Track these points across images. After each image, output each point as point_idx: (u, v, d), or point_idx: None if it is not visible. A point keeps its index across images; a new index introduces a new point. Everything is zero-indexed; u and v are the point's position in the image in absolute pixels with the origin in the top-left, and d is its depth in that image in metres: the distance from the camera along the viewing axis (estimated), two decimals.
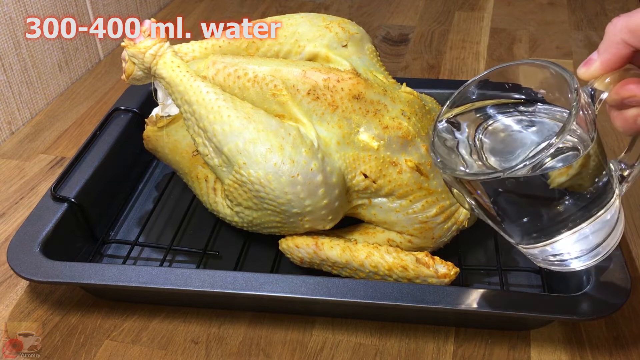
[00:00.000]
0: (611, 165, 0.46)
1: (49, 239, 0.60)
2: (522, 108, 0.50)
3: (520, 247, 0.49)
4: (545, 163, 0.42)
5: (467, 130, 0.51)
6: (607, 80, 0.43)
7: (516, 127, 0.50)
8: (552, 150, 0.40)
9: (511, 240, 0.49)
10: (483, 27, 1.17)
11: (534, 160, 0.41)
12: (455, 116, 0.51)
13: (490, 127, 0.51)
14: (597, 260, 0.47)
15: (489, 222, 0.49)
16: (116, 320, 0.60)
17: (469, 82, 0.50)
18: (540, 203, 0.46)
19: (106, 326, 0.59)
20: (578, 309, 0.52)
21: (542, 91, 0.48)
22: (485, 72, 0.49)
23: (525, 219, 0.47)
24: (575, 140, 0.43)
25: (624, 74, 0.43)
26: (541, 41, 1.12)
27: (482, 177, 0.44)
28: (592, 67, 0.43)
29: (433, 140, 0.49)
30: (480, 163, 0.49)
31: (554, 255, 0.48)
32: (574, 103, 0.41)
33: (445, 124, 0.51)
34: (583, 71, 0.43)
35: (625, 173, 0.47)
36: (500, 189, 0.45)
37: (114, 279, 0.56)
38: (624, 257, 0.56)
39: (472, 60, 1.06)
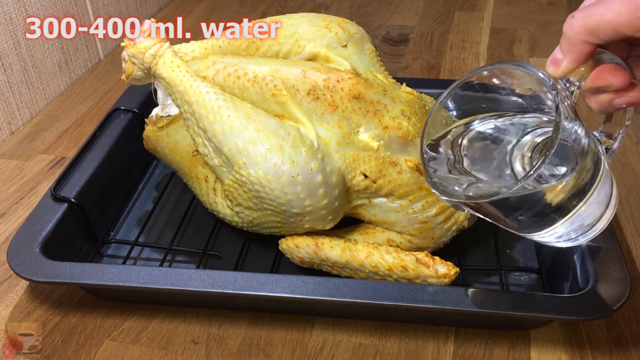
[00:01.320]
0: (595, 134, 0.46)
1: (49, 239, 0.60)
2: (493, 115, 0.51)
3: (521, 234, 0.49)
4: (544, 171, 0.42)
5: (442, 147, 0.51)
6: (582, 69, 0.42)
7: (485, 129, 0.50)
8: (549, 158, 0.40)
9: (512, 230, 0.49)
10: (483, 27, 1.17)
11: (534, 174, 0.41)
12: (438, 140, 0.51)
13: (463, 136, 0.51)
14: (602, 228, 0.48)
15: (487, 219, 0.49)
16: (116, 320, 0.60)
17: (444, 94, 0.50)
18: (540, 199, 0.46)
19: (106, 326, 0.59)
20: (578, 309, 0.52)
21: (517, 91, 0.48)
22: (457, 82, 0.49)
23: (523, 215, 0.47)
24: (567, 139, 0.43)
25: (596, 61, 0.42)
26: (541, 41, 1.12)
27: (484, 200, 0.44)
28: (562, 66, 0.42)
29: (426, 170, 0.49)
30: (466, 177, 0.49)
31: (560, 236, 0.48)
32: (558, 104, 0.41)
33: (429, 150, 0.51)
34: (552, 70, 0.43)
35: (611, 145, 0.47)
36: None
37: (114, 279, 0.56)
38: (624, 257, 0.56)
39: (472, 60, 1.06)
